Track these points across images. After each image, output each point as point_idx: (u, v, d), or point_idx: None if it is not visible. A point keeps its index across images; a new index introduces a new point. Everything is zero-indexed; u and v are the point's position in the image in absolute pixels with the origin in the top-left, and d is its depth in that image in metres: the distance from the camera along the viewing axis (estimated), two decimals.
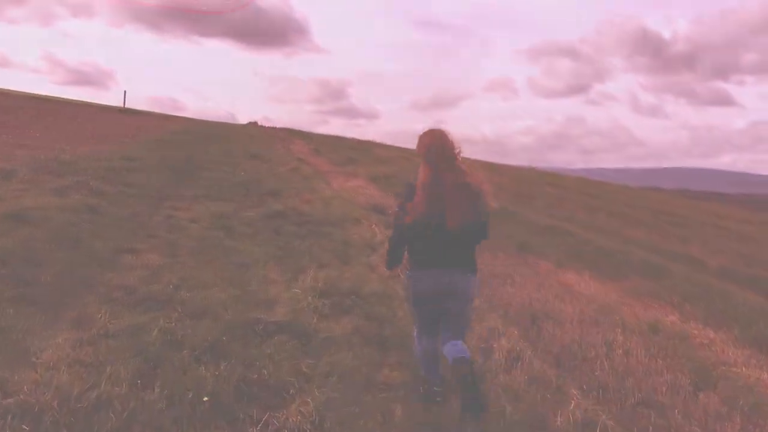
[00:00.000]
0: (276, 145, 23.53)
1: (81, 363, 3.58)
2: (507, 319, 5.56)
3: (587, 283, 8.29)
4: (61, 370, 3.44)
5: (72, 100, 39.25)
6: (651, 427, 3.95)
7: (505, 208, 15.18)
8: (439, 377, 3.86)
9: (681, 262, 11.61)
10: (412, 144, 3.96)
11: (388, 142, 33.68)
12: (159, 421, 3.11)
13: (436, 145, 3.64)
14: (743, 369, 5.50)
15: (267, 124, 38.63)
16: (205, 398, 3.33)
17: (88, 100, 40.83)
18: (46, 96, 37.58)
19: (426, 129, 3.77)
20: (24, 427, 2.91)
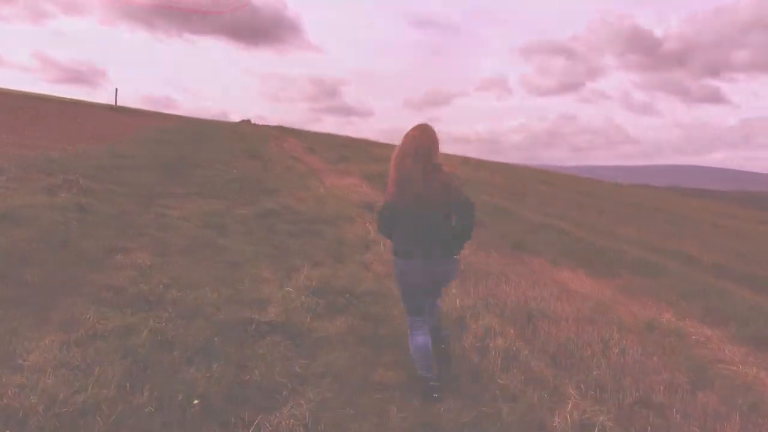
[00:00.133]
0: (269, 143, 23.43)
1: (68, 365, 3.48)
2: (503, 318, 5.50)
3: (582, 281, 8.26)
4: (47, 372, 3.34)
5: (63, 98, 39.01)
6: (650, 428, 3.90)
7: (499, 206, 15.15)
8: (434, 373, 3.94)
9: (675, 260, 11.60)
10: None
11: (382, 140, 33.65)
12: (147, 426, 3.03)
13: (422, 142, 3.89)
14: (740, 367, 5.48)
15: (260, 122, 38.53)
16: (196, 401, 3.25)
17: (80, 99, 40.61)
18: (37, 94, 37.33)
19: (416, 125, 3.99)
20: None
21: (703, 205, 34.78)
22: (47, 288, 4.76)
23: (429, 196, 3.79)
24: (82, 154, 12.51)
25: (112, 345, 3.82)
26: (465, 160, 32.07)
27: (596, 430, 3.62)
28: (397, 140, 4.17)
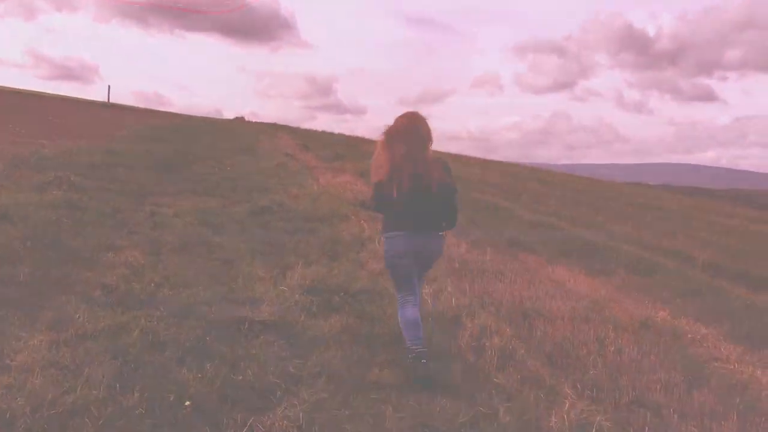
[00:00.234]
0: (263, 140, 23.34)
1: (57, 365, 3.41)
2: (498, 316, 5.45)
3: (577, 279, 8.22)
4: (35, 373, 3.27)
5: (55, 95, 38.78)
6: (647, 428, 3.85)
7: (494, 203, 15.13)
8: (421, 341, 4.16)
9: (670, 258, 11.59)
10: None
11: (376, 138, 33.52)
12: (137, 428, 2.96)
13: (414, 126, 4.20)
14: (736, 366, 5.44)
15: (254, 119, 38.42)
16: (187, 402, 3.18)
17: (73, 95, 40.39)
18: (29, 91, 37.11)
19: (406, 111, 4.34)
20: None
21: (696, 204, 34.81)
22: (37, 287, 4.70)
23: (420, 176, 4.05)
24: (74, 151, 12.41)
25: (103, 345, 3.75)
26: (458, 158, 32.08)
27: (593, 430, 3.58)
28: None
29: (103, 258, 5.66)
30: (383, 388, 3.85)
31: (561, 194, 21.90)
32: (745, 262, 12.92)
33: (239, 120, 37.77)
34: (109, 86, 38.18)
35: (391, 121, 4.38)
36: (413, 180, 4.05)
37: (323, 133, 33.81)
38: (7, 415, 2.88)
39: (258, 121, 37.68)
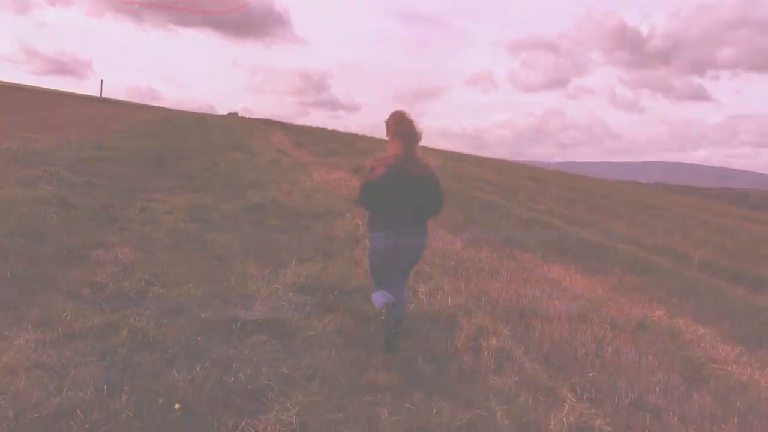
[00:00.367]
0: (256, 136, 23.19)
1: (43, 366, 3.30)
2: (495, 316, 5.37)
3: (573, 278, 8.14)
4: (20, 374, 3.16)
5: (48, 89, 38.49)
6: (647, 431, 3.79)
7: (489, 201, 15.06)
8: (390, 298, 4.37)
9: (666, 256, 11.54)
10: None
11: (369, 135, 33.43)
12: None
13: (407, 125, 4.35)
14: (734, 367, 5.39)
15: (247, 115, 38.22)
16: (177, 405, 3.08)
17: (65, 90, 40.11)
18: (21, 85, 36.81)
19: (395, 110, 4.47)
20: None
21: (689, 202, 34.88)
22: (24, 284, 4.58)
23: (409, 177, 4.24)
24: (64, 146, 12.27)
25: (90, 345, 3.65)
26: (452, 155, 31.99)
27: None
28: (384, 134, 4.51)
29: (92, 255, 5.53)
30: (378, 390, 3.77)
31: (555, 192, 21.84)
32: (740, 261, 12.89)
33: (232, 116, 37.56)
34: (101, 81, 37.93)
35: (384, 118, 4.51)
36: (401, 181, 4.23)
37: (317, 129, 33.63)
38: None
39: (251, 116, 37.48)
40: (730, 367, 5.33)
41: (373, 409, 3.51)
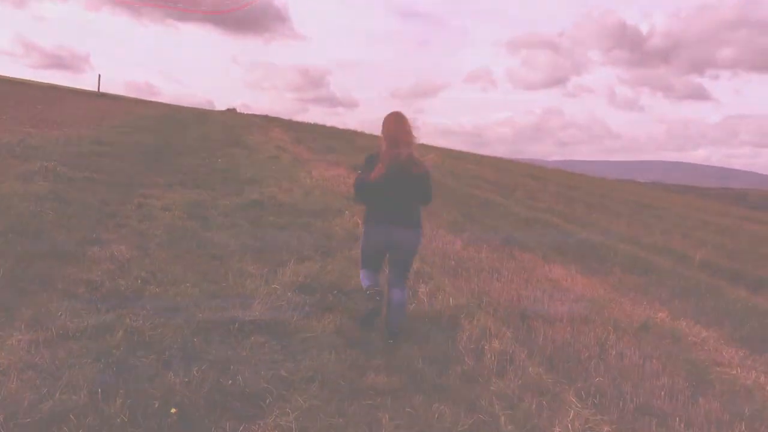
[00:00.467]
0: (255, 132, 23.06)
1: (35, 368, 3.21)
2: (497, 317, 5.30)
3: (574, 278, 8.07)
4: (11, 376, 3.07)
5: (45, 83, 38.33)
6: None
7: (488, 199, 14.99)
8: (377, 284, 4.65)
9: (666, 256, 11.48)
10: None
11: (368, 132, 33.32)
12: None
13: (397, 125, 4.53)
14: (739, 371, 5.32)
15: (246, 111, 38.08)
16: (173, 409, 2.99)
17: (63, 84, 39.96)
18: (18, 79, 36.63)
19: (391, 111, 4.63)
20: None
21: (688, 201, 34.84)
22: (18, 282, 4.48)
23: (402, 174, 4.42)
24: (61, 140, 12.15)
25: (85, 346, 3.55)
26: (451, 153, 31.89)
27: None
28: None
29: (88, 252, 5.44)
30: (379, 393, 3.69)
31: (555, 190, 21.78)
32: (740, 261, 12.84)
33: (231, 111, 37.41)
34: (99, 75, 37.79)
35: (383, 115, 4.65)
36: (395, 178, 4.41)
37: (315, 125, 33.50)
38: None
39: (250, 113, 37.33)
40: (734, 371, 5.26)
41: (374, 414, 3.44)
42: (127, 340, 3.70)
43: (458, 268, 7.05)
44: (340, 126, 34.19)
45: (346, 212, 8.72)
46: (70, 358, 3.38)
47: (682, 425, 3.91)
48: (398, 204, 4.50)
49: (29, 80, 37.82)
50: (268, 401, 3.30)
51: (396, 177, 4.41)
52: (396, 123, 4.54)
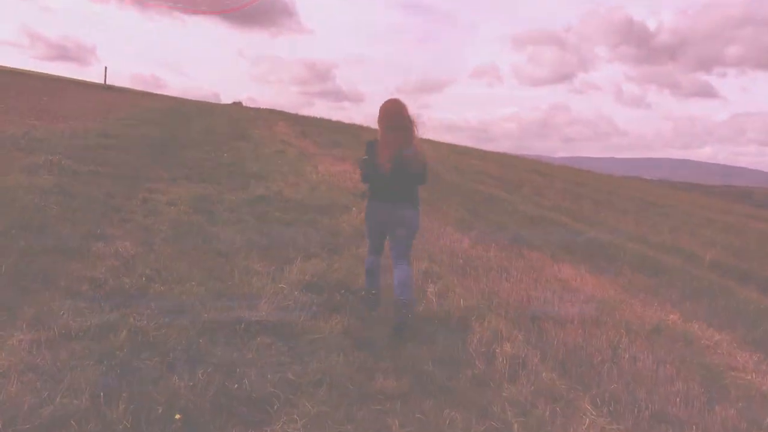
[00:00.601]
0: (260, 126, 22.97)
1: (36, 370, 3.12)
2: (507, 319, 5.20)
3: (583, 278, 7.96)
4: (11, 378, 2.98)
5: (51, 75, 38.29)
6: None
7: (494, 196, 14.87)
8: (376, 287, 5.03)
9: (675, 256, 11.36)
10: None
11: (374, 126, 33.11)
12: None
13: (395, 112, 4.80)
14: (754, 376, 5.21)
15: (251, 105, 37.98)
16: (177, 415, 2.90)
17: (69, 76, 39.92)
18: (24, 70, 36.57)
19: (389, 98, 4.92)
20: None
21: (693, 199, 34.64)
22: (20, 279, 4.39)
23: (400, 157, 4.67)
24: (67, 133, 12.08)
25: (87, 346, 3.46)
26: (456, 148, 31.75)
27: None
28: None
29: (92, 248, 5.35)
30: (388, 398, 3.60)
31: (561, 187, 21.64)
32: (749, 261, 12.70)
33: (237, 105, 37.32)
34: (105, 68, 37.79)
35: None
36: (394, 161, 4.67)
37: (321, 119, 33.37)
38: None
39: (256, 106, 37.22)
40: (749, 376, 5.15)
41: (383, 419, 3.35)
42: (131, 341, 3.61)
43: (466, 267, 6.95)
44: (346, 120, 34.02)
45: (353, 209, 8.62)
46: (72, 359, 3.29)
47: None
48: (399, 185, 4.77)
49: (34, 71, 37.77)
50: (275, 407, 3.21)
51: (397, 164, 4.70)
52: (392, 110, 4.81)
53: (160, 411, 2.92)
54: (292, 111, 36.06)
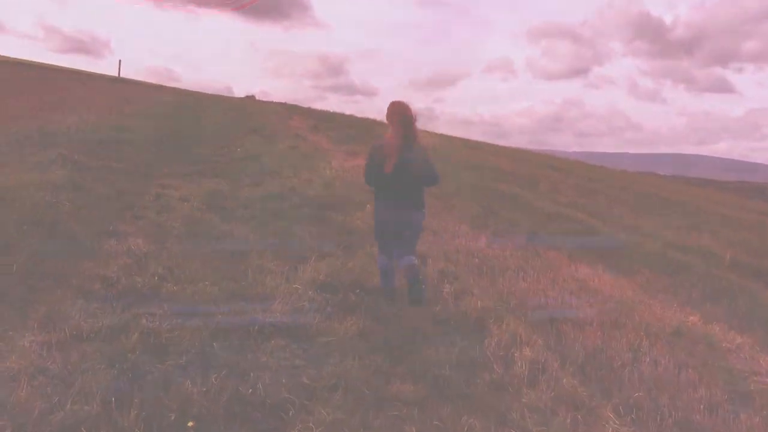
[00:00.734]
0: (274, 120, 22.90)
1: (47, 373, 3.06)
2: (525, 321, 5.08)
3: (601, 278, 7.82)
4: (22, 382, 2.92)
5: (65, 68, 38.43)
6: None
7: (509, 193, 14.71)
8: (392, 285, 5.16)
9: (694, 255, 11.15)
10: None
11: (387, 121, 32.86)
12: None
13: (403, 112, 4.97)
14: None
15: (264, 98, 37.94)
16: (190, 423, 2.82)
17: (83, 69, 40.07)
18: (38, 63, 36.74)
19: (394, 100, 5.10)
20: None
21: (708, 195, 34.22)
22: (32, 278, 4.34)
23: (403, 158, 4.81)
24: (81, 127, 12.07)
25: (99, 348, 3.40)
26: (468, 143, 31.54)
27: None
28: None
29: (104, 245, 5.30)
30: (404, 403, 3.50)
31: (576, 183, 21.39)
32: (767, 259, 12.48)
33: (250, 99, 37.30)
34: (120, 60, 37.84)
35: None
36: (397, 162, 4.82)
37: (334, 114, 33.21)
38: None
39: (269, 100, 37.16)
40: None
41: (400, 426, 3.26)
42: (143, 343, 3.55)
43: (482, 266, 6.84)
44: (359, 114, 33.86)
45: (368, 206, 8.52)
46: (84, 362, 3.23)
47: None
48: (402, 187, 4.88)
49: (48, 64, 37.95)
50: (290, 413, 3.12)
51: (400, 166, 4.83)
52: (396, 112, 4.98)
53: (172, 418, 2.85)
54: (305, 105, 35.96)
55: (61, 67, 38.28)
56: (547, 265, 7.69)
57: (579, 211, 14.21)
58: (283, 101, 36.14)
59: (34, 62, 36.19)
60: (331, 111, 34.11)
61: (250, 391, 3.24)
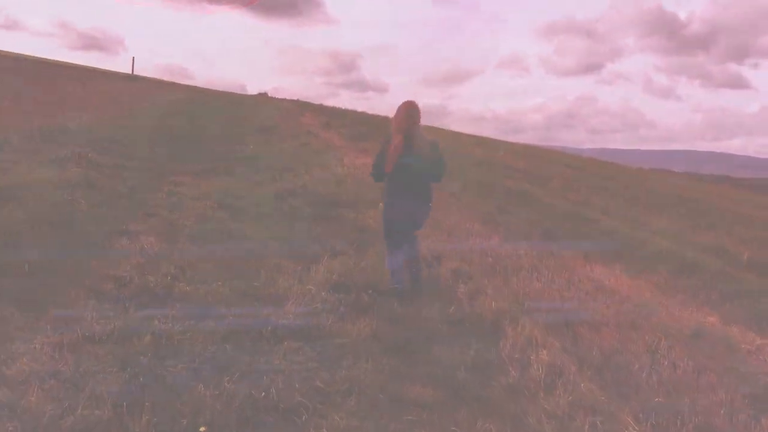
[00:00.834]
0: (286, 117, 22.89)
1: (58, 376, 3.03)
2: (541, 323, 5.01)
3: (618, 278, 7.72)
4: (33, 385, 2.89)
5: (80, 65, 38.64)
6: None
7: (523, 190, 14.60)
8: (402, 285, 5.21)
9: (709, 253, 11.01)
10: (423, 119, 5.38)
11: None
12: None
13: (408, 113, 5.14)
14: None
15: (277, 95, 37.95)
16: (202, 428, 2.78)
17: (97, 66, 40.27)
18: (53, 60, 36.95)
19: (402, 102, 5.27)
20: None
21: (723, 192, 33.84)
22: (45, 277, 4.33)
23: (409, 155, 4.99)
24: (95, 124, 12.11)
25: (111, 351, 3.37)
26: (482, 140, 31.38)
27: None
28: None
29: (116, 244, 5.29)
30: (419, 407, 3.45)
31: (590, 181, 21.21)
32: None
33: (262, 96, 37.35)
34: (133, 58, 38.09)
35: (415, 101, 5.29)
36: (397, 163, 5.02)
37: (346, 110, 33.14)
38: None
39: (281, 97, 37.18)
40: None
41: (415, 431, 3.20)
42: (155, 345, 3.52)
43: (496, 266, 6.76)
44: (370, 111, 33.78)
45: (380, 204, 8.46)
46: (95, 365, 3.20)
47: None
48: (410, 184, 5.08)
49: (63, 62, 38.15)
50: (303, 417, 3.07)
51: (400, 167, 5.02)
52: (401, 113, 5.15)
53: (184, 423, 2.81)
54: (317, 102, 35.94)
55: (75, 64, 38.51)
56: (561, 265, 7.59)
57: (594, 210, 14.09)
58: (295, 98, 36.15)
59: (49, 60, 36.39)
60: (343, 108, 34.05)
61: (263, 394, 3.19)
